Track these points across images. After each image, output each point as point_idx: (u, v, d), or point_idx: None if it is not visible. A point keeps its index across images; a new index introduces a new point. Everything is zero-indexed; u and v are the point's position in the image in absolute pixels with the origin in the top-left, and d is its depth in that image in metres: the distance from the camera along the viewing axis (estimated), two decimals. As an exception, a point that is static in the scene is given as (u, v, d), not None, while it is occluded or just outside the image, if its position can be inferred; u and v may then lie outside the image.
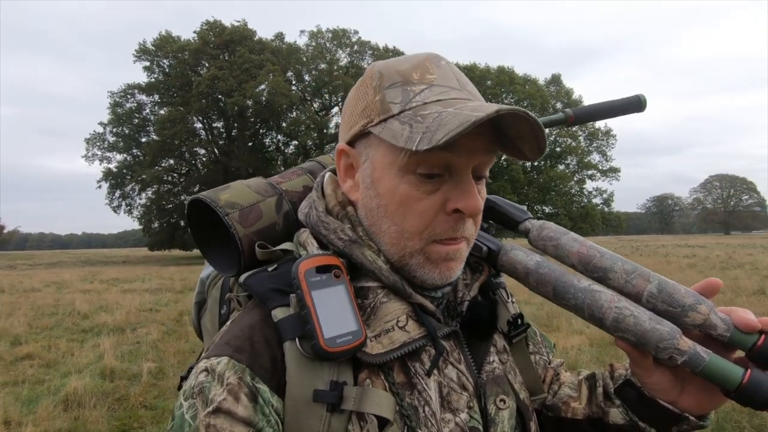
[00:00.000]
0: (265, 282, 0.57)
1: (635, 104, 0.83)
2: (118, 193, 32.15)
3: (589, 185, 35.45)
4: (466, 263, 0.62)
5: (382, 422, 0.51)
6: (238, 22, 31.87)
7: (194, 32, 31.43)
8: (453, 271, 0.58)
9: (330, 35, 33.35)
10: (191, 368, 0.60)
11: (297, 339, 0.52)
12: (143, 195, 31.94)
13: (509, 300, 0.71)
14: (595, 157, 35.82)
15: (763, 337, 0.53)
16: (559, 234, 0.65)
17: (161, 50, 30.80)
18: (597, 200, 34.88)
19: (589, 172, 35.11)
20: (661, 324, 0.53)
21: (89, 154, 32.01)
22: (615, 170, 35.25)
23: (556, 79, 35.44)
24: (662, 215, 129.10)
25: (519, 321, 0.68)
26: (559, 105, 34.13)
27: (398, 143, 0.51)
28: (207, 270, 0.80)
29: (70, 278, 14.87)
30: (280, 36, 33.86)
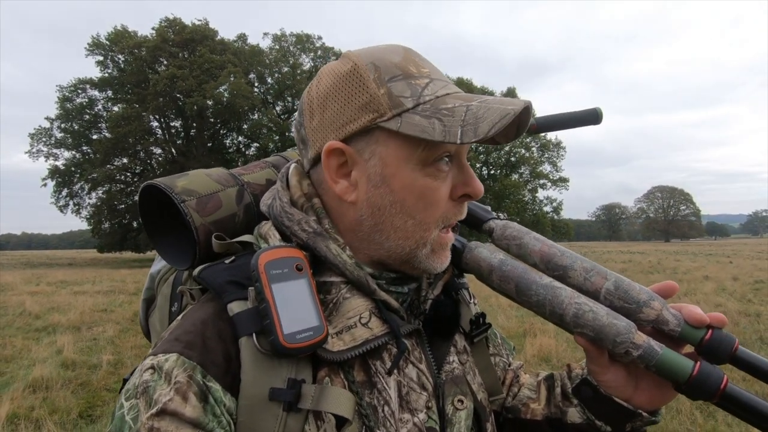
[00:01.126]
0: (221, 274, 0.55)
1: (593, 116, 0.89)
2: (65, 191, 30.72)
3: (541, 194, 37.46)
4: None
5: (341, 421, 0.50)
6: (200, 21, 31.42)
7: (152, 29, 30.68)
8: (448, 259, 0.60)
9: (294, 39, 33.46)
10: (135, 369, 0.61)
11: (254, 334, 0.50)
12: (93, 194, 30.77)
13: (471, 301, 0.72)
14: (547, 167, 37.87)
15: (710, 331, 0.55)
16: (521, 233, 0.67)
17: (116, 45, 29.76)
18: (547, 208, 36.89)
19: (541, 182, 37.10)
20: (617, 319, 0.55)
21: (34, 150, 30.39)
22: (564, 180, 37.45)
23: (511, 92, 37.19)
24: (610, 223, 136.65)
25: (481, 320, 0.69)
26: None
27: (434, 137, 0.50)
28: (157, 265, 0.77)
29: (13, 280, 14.17)
30: (242, 37, 33.61)
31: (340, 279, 0.56)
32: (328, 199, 0.59)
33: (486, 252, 0.64)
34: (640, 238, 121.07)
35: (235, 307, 0.51)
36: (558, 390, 0.69)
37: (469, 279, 0.73)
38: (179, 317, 0.56)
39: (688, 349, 0.58)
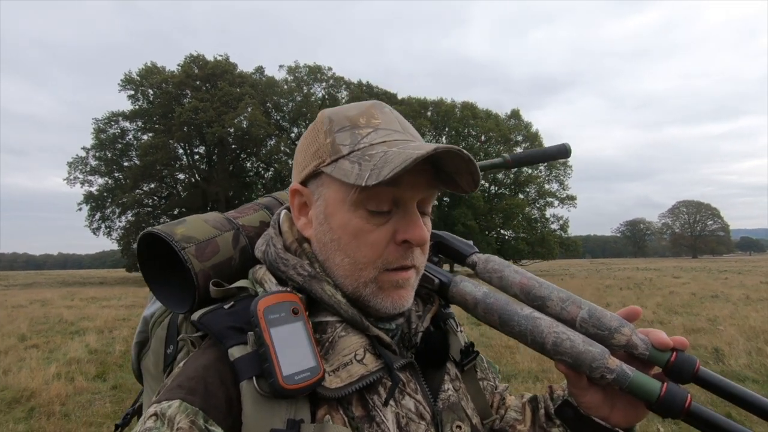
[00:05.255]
0: (221, 320, 0.56)
1: (562, 152, 0.96)
2: (98, 215, 33.00)
3: (548, 212, 37.99)
4: (418, 295, 0.67)
5: None
6: (221, 56, 34.06)
7: (178, 65, 33.44)
8: (404, 299, 0.60)
9: (306, 70, 35.70)
10: (127, 414, 0.66)
11: (254, 378, 0.51)
12: (123, 217, 32.96)
13: (458, 330, 0.75)
14: (554, 186, 38.48)
15: (675, 353, 0.60)
16: (502, 266, 0.70)
17: (146, 80, 32.46)
18: (554, 226, 37.37)
19: (549, 200, 37.68)
20: (593, 346, 0.59)
21: (71, 177, 32.97)
22: (572, 198, 37.89)
23: (515, 114, 38.25)
24: (635, 239, 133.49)
25: (470, 349, 0.72)
26: (519, 137, 36.91)
27: (349, 180, 0.54)
28: (151, 308, 0.78)
29: (51, 297, 16.23)
30: (260, 69, 36.05)
31: (335, 318, 0.59)
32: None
33: (470, 286, 0.67)
34: (669, 254, 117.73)
35: (235, 352, 0.53)
36: (542, 411, 0.73)
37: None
38: (181, 364, 0.58)
39: (657, 370, 0.62)
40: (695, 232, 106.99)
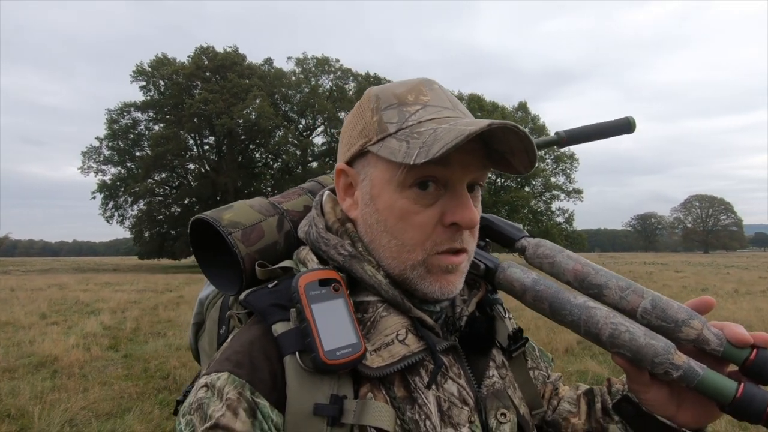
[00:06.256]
0: (265, 298, 0.58)
1: (624, 126, 0.87)
2: (111, 204, 33.83)
3: (553, 205, 38.10)
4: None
5: None
6: (230, 47, 34.52)
7: (188, 56, 33.94)
8: (453, 285, 0.58)
9: (314, 61, 36.01)
10: (186, 392, 0.67)
11: (297, 353, 0.52)
12: (135, 206, 33.74)
13: (506, 316, 0.73)
14: (561, 179, 38.53)
15: (755, 351, 0.54)
16: (554, 252, 0.66)
17: (157, 71, 33.02)
18: (559, 218, 37.49)
19: (555, 193, 37.77)
20: (655, 339, 0.55)
21: (85, 166, 33.84)
22: (578, 191, 37.94)
23: (522, 106, 38.29)
24: (646, 233, 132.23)
25: (519, 335, 0.70)
26: (526, 130, 36.80)
27: (396, 158, 0.52)
28: (206, 291, 0.81)
29: (68, 281, 17.09)
30: (268, 61, 36.47)
31: (377, 298, 0.58)
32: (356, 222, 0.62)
33: (519, 272, 0.65)
34: (681, 249, 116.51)
35: (278, 328, 0.54)
36: (598, 405, 0.70)
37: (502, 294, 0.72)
38: (229, 339, 0.59)
39: (733, 368, 0.57)
40: (707, 227, 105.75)
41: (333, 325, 0.53)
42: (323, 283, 0.55)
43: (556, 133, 0.91)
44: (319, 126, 36.56)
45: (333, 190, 0.68)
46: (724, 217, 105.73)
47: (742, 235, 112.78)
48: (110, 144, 33.83)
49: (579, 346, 5.76)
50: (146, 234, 33.62)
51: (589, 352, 5.52)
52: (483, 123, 0.49)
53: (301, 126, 36.52)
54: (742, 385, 0.53)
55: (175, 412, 0.66)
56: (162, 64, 33.25)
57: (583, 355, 5.47)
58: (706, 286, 13.30)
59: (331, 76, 36.30)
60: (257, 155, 36.49)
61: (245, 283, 0.65)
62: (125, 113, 33.82)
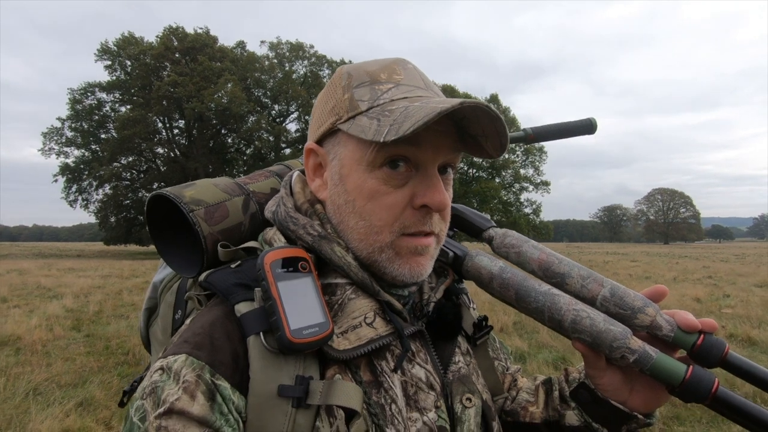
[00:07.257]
0: (228, 278, 0.56)
1: (587, 127, 0.91)
2: (74, 187, 32.76)
3: (522, 196, 39.29)
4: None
5: (350, 415, 0.51)
6: (201, 29, 33.59)
7: (157, 36, 32.86)
8: (423, 267, 0.58)
9: (288, 47, 35.53)
10: (134, 382, 0.64)
11: (261, 333, 0.50)
12: (100, 190, 32.79)
13: (471, 306, 0.75)
14: (530, 171, 39.67)
15: (702, 336, 0.57)
16: (521, 242, 0.68)
17: (124, 50, 31.82)
18: (527, 209, 38.72)
19: (524, 185, 38.91)
20: (614, 325, 0.57)
21: (46, 148, 32.53)
22: (546, 183, 39.19)
23: (494, 98, 38.96)
24: (611, 225, 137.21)
25: (483, 323, 0.71)
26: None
27: (366, 136, 0.51)
28: (161, 274, 0.77)
29: (28, 267, 16.60)
30: (241, 44, 35.67)
31: (345, 281, 0.58)
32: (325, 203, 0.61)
33: (486, 260, 0.66)
34: (644, 240, 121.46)
35: (242, 308, 0.53)
36: (556, 393, 0.72)
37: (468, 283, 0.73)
38: (187, 321, 0.58)
39: (682, 353, 0.61)
40: (668, 219, 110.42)
41: (300, 304, 0.52)
42: (290, 261, 0.54)
43: (524, 130, 0.94)
44: (293, 113, 36.20)
45: (303, 172, 0.68)
46: (683, 210, 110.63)
47: (700, 227, 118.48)
48: (73, 125, 32.61)
49: (513, 327, 6.25)
50: (112, 219, 32.78)
51: (519, 332, 6.02)
52: (455, 101, 0.49)
53: (274, 112, 36.08)
54: (691, 368, 0.56)
55: (121, 404, 0.66)
56: (128, 43, 32.08)
57: (514, 334, 5.97)
58: (651, 275, 14.27)
59: (306, 62, 35.94)
60: (229, 141, 35.88)
61: (206, 264, 0.63)
62: (89, 93, 32.63)
